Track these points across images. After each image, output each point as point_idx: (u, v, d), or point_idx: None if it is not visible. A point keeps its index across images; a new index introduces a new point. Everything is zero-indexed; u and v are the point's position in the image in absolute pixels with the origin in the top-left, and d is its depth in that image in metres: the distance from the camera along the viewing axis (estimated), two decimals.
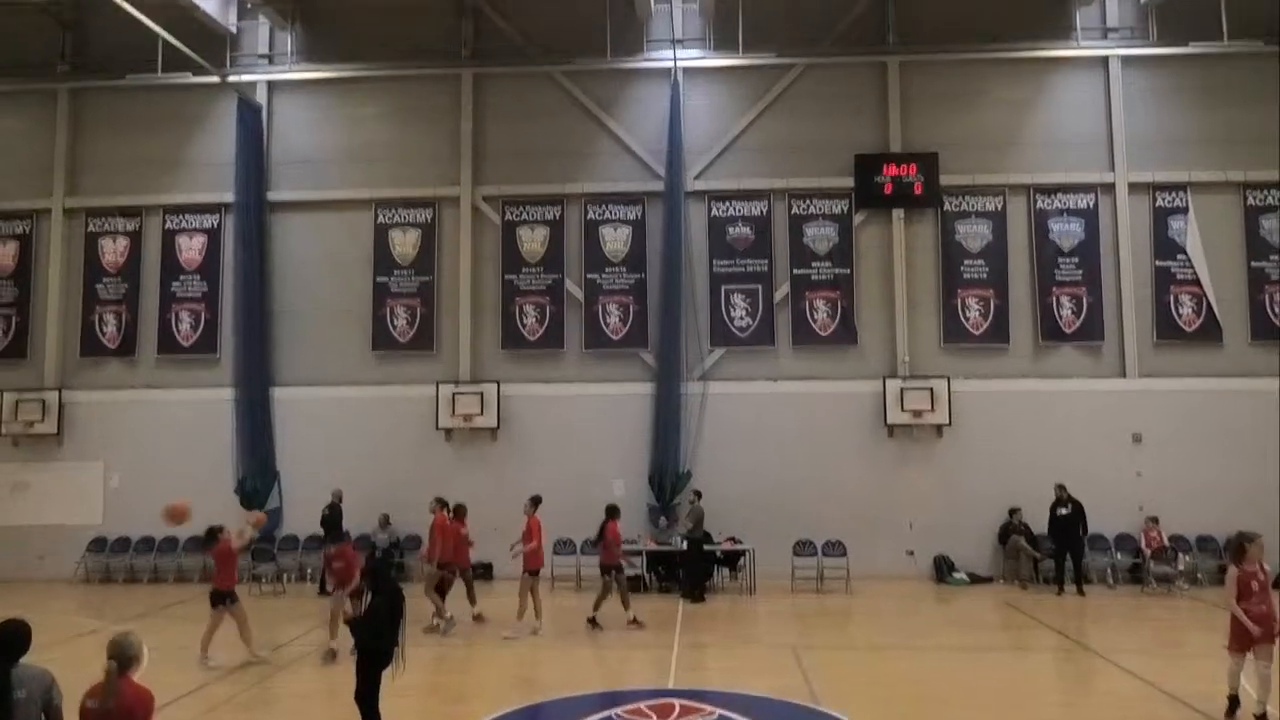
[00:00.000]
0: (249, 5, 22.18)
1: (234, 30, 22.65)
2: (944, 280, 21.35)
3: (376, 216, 22.19)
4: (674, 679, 12.12)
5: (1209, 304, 20.88)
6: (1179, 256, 21.08)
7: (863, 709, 10.58)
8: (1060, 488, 19.13)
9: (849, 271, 21.45)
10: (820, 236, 21.58)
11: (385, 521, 20.56)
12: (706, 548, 19.12)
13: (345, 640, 11.06)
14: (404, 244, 22.11)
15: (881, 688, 11.96)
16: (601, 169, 22.04)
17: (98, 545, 21.36)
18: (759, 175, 21.68)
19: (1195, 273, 20.99)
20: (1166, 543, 19.39)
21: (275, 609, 17.56)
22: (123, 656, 5.77)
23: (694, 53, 21.95)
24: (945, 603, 18.53)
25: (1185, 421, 20.33)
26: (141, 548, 21.35)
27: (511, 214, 22.06)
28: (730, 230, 21.69)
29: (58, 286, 22.57)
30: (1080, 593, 18.56)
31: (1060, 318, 21.05)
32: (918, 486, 20.67)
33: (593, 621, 15.33)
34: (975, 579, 20.04)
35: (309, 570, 20.36)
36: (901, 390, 20.68)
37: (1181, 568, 19.23)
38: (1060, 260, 21.19)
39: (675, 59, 21.57)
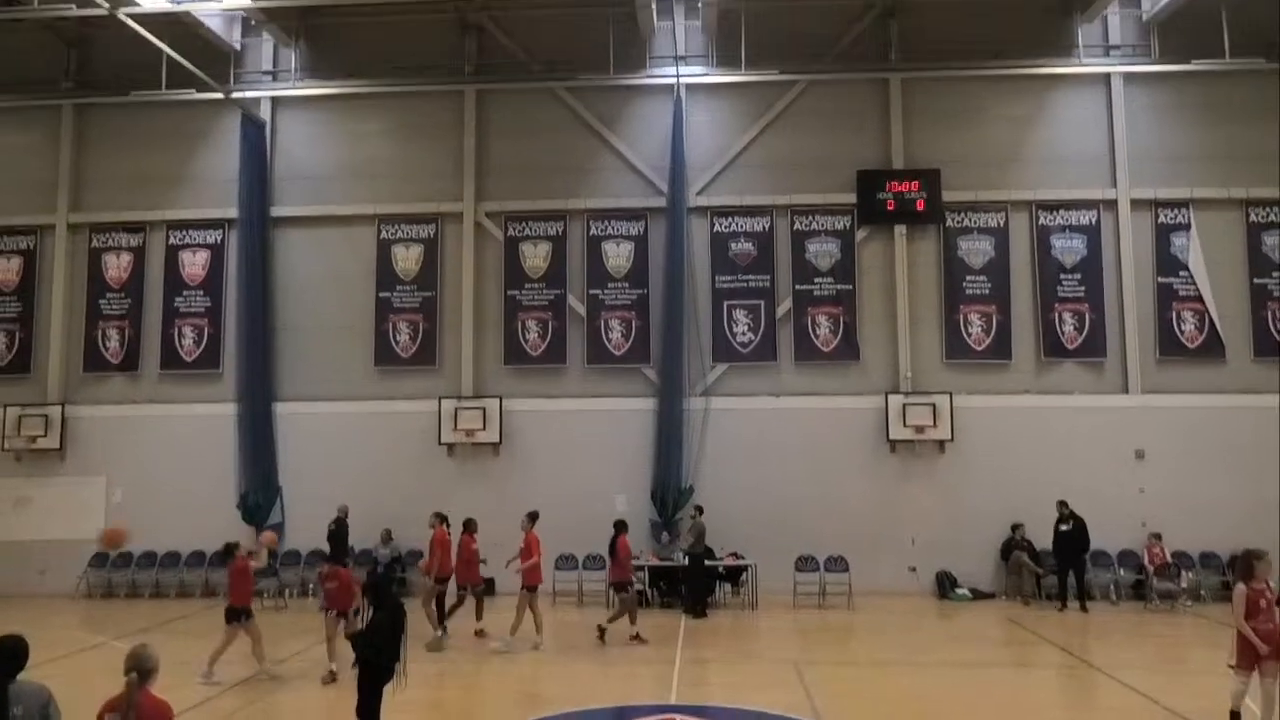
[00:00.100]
0: (253, 22, 22.28)
1: (238, 47, 22.77)
2: (946, 296, 21.36)
3: (379, 232, 22.25)
4: (676, 694, 12.10)
5: (1211, 320, 20.89)
6: (1181, 273, 21.10)
7: None
8: (1062, 504, 19.11)
9: (851, 287, 21.47)
10: (822, 252, 21.61)
11: (387, 537, 20.54)
12: (708, 563, 19.11)
13: (344, 659, 11.05)
14: (407, 259, 22.15)
15: (884, 704, 11.94)
16: (604, 185, 22.10)
17: (100, 560, 21.29)
18: (761, 191, 21.73)
19: (1197, 289, 21.00)
20: (1169, 559, 19.37)
21: (277, 624, 17.50)
22: (142, 668, 5.79)
23: (696, 69, 22.02)
24: (947, 619, 18.48)
25: (1188, 438, 20.31)
26: (144, 563, 21.33)
27: (514, 229, 22.10)
28: (732, 246, 21.72)
29: (61, 302, 22.62)
30: (1083, 609, 18.50)
31: (1062, 334, 21.05)
32: (920, 502, 20.64)
33: (601, 633, 15.46)
34: (978, 595, 19.98)
35: (311, 585, 20.31)
36: (904, 406, 20.67)
37: (1184, 584, 19.20)
38: (1062, 276, 21.20)
39: (678, 75, 21.64)
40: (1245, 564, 9.98)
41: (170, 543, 21.29)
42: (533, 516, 15.63)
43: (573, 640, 15.67)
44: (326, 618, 13.36)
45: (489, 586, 19.43)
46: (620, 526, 16.38)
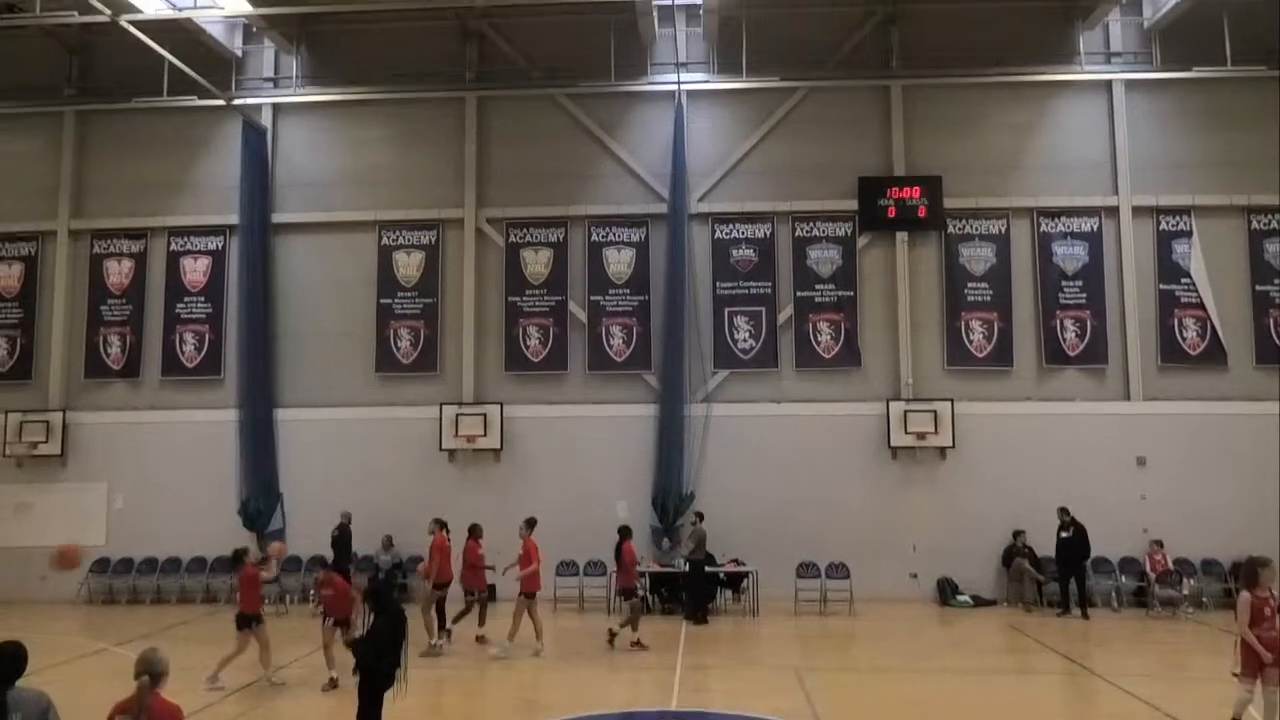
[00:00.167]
0: (254, 29, 22.30)
1: (239, 54, 22.79)
2: (947, 303, 21.36)
3: (380, 238, 22.26)
4: (677, 700, 12.07)
5: (1213, 327, 20.88)
6: (1183, 280, 21.09)
7: None
8: (1063, 511, 19.08)
9: (852, 294, 21.48)
10: (824, 259, 21.61)
11: (388, 543, 20.52)
12: (709, 569, 19.10)
13: (343, 666, 11.03)
14: (408, 266, 22.17)
15: (885, 710, 11.93)
16: (605, 191, 22.12)
17: (101, 566, 21.29)
18: (762, 198, 21.75)
19: (1199, 296, 20.99)
20: (1171, 566, 19.34)
21: (278, 630, 17.32)
22: (153, 671, 5.82)
23: (697, 76, 22.04)
24: (949, 625, 18.46)
25: (1189, 445, 20.30)
26: (145, 569, 21.33)
27: (515, 236, 22.11)
28: (734, 252, 21.73)
29: (62, 308, 22.63)
30: (1084, 616, 18.48)
31: (1064, 341, 21.04)
32: (921, 509, 20.62)
33: (611, 638, 15.47)
34: (979, 601, 19.95)
35: (311, 591, 20.28)
36: (905, 413, 20.66)
37: (1186, 591, 19.17)
38: (1064, 283, 21.20)
39: (679, 82, 21.65)
40: (1250, 571, 9.92)
41: (171, 549, 21.29)
42: (531, 523, 15.62)
43: (573, 646, 15.66)
44: (323, 625, 13.34)
45: (491, 593, 19.45)
46: (625, 532, 16.43)
